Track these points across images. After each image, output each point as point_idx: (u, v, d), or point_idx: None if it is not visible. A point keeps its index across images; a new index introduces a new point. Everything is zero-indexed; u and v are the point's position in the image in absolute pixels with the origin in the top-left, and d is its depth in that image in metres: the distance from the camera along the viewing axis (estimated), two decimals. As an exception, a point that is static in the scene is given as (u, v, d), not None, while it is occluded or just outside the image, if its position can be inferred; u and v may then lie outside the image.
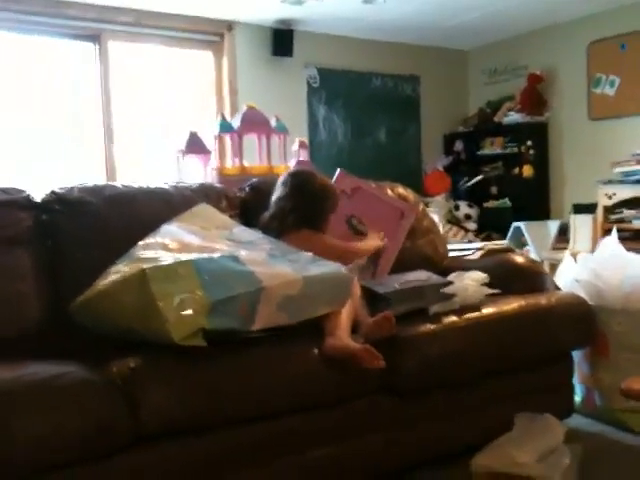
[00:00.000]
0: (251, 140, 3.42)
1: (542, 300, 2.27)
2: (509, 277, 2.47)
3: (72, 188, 2.18)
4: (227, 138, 3.23)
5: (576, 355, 2.41)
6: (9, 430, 1.34)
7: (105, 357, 1.68)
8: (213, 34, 4.98)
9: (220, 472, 1.68)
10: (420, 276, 2.29)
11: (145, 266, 1.63)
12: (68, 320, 1.88)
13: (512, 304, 2.22)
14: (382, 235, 2.49)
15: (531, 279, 2.48)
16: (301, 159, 3.47)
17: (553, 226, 5.27)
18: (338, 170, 2.62)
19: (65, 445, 1.40)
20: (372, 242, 2.42)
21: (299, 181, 2.35)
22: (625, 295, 2.30)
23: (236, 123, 3.25)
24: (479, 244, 4.80)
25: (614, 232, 2.55)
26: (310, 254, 2.09)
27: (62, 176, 4.26)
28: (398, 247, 2.58)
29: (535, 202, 5.68)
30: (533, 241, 5.16)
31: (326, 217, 2.35)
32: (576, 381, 2.43)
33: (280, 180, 2.39)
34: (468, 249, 4.26)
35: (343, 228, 2.47)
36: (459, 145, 6.18)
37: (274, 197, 2.35)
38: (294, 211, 2.27)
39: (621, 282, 2.32)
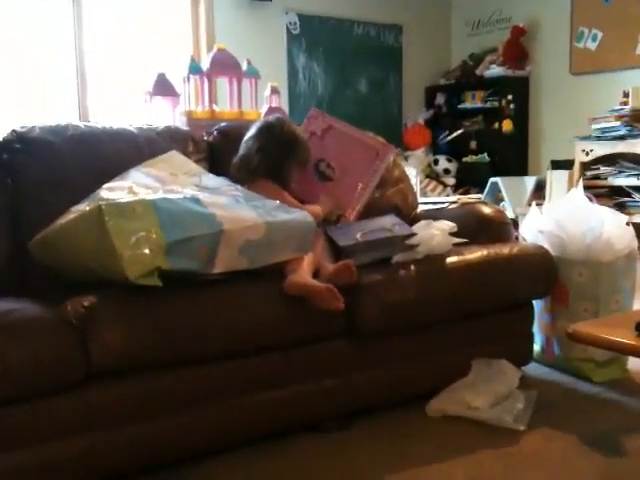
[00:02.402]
0: (223, 84, 3.37)
1: (505, 250, 2.29)
2: (475, 227, 2.47)
3: (33, 127, 2.14)
4: (198, 80, 3.16)
5: (536, 304, 2.44)
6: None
7: (61, 295, 1.67)
8: (190, -25, 4.84)
9: (174, 410, 1.70)
10: (386, 224, 2.29)
11: (102, 203, 1.62)
12: (28, 259, 1.88)
13: (474, 253, 2.23)
14: (331, 201, 2.37)
15: (497, 229, 2.49)
16: (273, 105, 3.42)
17: (530, 182, 5.28)
18: (312, 109, 2.56)
19: (13, 379, 1.41)
20: (325, 207, 2.32)
21: (270, 123, 2.34)
22: (587, 246, 2.32)
23: (206, 65, 3.18)
24: (453, 198, 4.81)
25: (580, 184, 2.57)
26: (276, 201, 2.08)
27: (34, 120, 4.16)
28: (371, 188, 2.45)
29: (514, 157, 5.69)
30: (509, 197, 5.18)
31: (290, 166, 2.29)
32: (536, 330, 2.47)
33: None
34: (442, 202, 4.27)
35: (309, 172, 2.43)
36: (440, 98, 6.13)
37: (245, 137, 2.34)
38: (260, 151, 2.25)
39: (583, 234, 2.34)
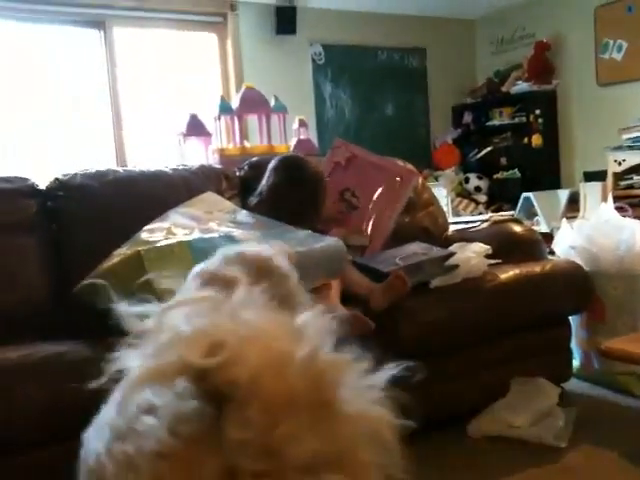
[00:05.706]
0: (252, 121, 3.48)
1: (537, 268, 2.30)
2: (507, 246, 2.49)
3: (75, 174, 2.25)
4: (228, 119, 3.27)
5: (574, 320, 2.44)
6: (12, 399, 1.45)
7: (107, 335, 1.75)
8: (216, 15, 4.99)
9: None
10: (418, 249, 2.31)
11: (141, 248, 1.71)
12: (74, 300, 1.97)
13: (508, 272, 2.25)
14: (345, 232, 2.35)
15: (528, 247, 2.51)
16: (302, 137, 3.50)
17: (563, 195, 5.25)
18: (336, 139, 2.60)
19: (65, 417, 1.48)
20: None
21: (280, 161, 2.33)
22: (620, 259, 2.32)
23: (235, 104, 3.29)
24: (485, 216, 4.81)
25: (610, 197, 2.57)
26: (308, 230, 2.14)
27: (73, 165, 4.32)
28: (396, 215, 2.46)
29: (545, 171, 5.66)
30: (543, 211, 5.15)
31: (306, 205, 2.26)
32: (574, 346, 2.46)
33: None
34: (474, 221, 4.28)
35: (337, 203, 2.48)
36: (468, 117, 6.15)
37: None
38: (272, 188, 2.25)
39: (616, 246, 2.34)
